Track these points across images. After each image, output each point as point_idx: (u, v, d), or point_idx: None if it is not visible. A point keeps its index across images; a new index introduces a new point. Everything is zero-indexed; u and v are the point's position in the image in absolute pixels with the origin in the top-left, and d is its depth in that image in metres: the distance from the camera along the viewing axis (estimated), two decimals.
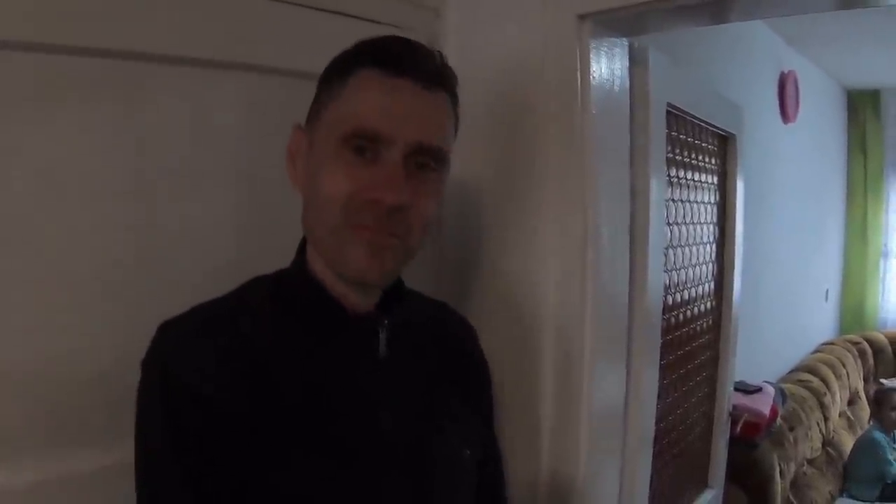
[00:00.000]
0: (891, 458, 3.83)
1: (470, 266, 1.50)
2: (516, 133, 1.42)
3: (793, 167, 4.23)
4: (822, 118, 5.01)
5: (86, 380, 1.03)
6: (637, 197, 1.55)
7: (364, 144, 0.88)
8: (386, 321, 0.97)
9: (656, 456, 1.79)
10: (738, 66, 3.30)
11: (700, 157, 2.06)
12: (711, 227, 2.21)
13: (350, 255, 0.90)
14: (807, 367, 4.29)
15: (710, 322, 2.27)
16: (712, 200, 2.21)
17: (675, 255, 1.89)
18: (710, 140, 2.15)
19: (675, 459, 2.05)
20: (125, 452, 0.87)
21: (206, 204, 1.15)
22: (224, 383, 0.86)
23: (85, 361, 1.03)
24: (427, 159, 0.91)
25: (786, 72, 4.04)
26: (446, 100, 0.94)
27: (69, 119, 1.01)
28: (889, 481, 3.76)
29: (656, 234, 1.63)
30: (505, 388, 1.41)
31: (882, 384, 4.43)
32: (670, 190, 1.82)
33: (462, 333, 1.19)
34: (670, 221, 1.83)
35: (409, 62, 0.89)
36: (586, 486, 1.40)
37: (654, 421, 1.74)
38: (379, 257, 0.90)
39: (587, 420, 1.40)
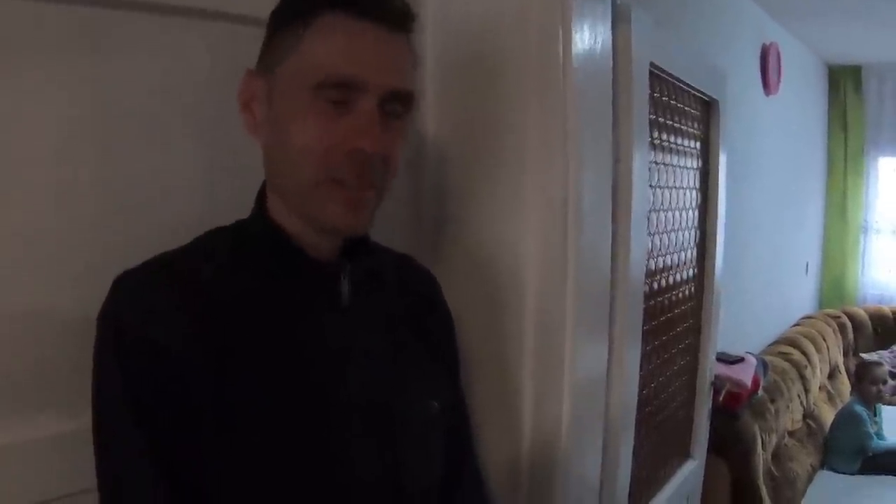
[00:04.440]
0: (871, 431, 3.85)
1: (449, 227, 1.46)
2: (496, 91, 1.38)
3: (774, 139, 4.24)
4: (803, 92, 5.01)
5: (47, 340, 0.99)
6: (620, 158, 1.52)
7: (336, 93, 0.86)
8: (349, 266, 0.96)
9: (638, 425, 1.77)
10: (721, 35, 3.29)
11: (683, 121, 2.04)
12: (694, 192, 2.19)
13: (328, 211, 0.89)
14: (788, 340, 4.31)
15: (693, 289, 2.25)
16: (695, 166, 2.18)
17: (657, 218, 1.87)
18: (693, 105, 2.13)
19: (657, 429, 2.04)
20: (89, 417, 0.84)
21: (173, 156, 1.11)
22: (183, 334, 0.83)
23: (48, 321, 0.99)
24: (397, 105, 0.90)
25: (768, 44, 4.03)
26: (408, 41, 0.93)
27: (31, 68, 0.96)
28: (869, 454, 3.78)
29: (639, 196, 1.61)
30: (484, 357, 1.39)
31: (863, 358, 4.46)
32: (653, 153, 1.79)
33: (426, 284, 1.18)
34: (652, 184, 1.81)
35: (373, 4, 0.87)
36: (569, 456, 1.38)
37: (637, 388, 1.72)
38: (359, 212, 0.90)
39: (569, 388, 1.37)
